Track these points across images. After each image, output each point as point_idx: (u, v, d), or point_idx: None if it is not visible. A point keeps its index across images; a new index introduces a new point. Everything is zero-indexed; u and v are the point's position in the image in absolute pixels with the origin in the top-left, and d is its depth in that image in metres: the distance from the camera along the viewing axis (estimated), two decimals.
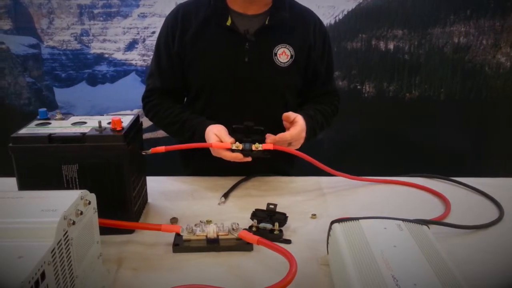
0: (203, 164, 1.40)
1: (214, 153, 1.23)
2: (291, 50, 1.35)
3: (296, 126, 1.23)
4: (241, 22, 1.34)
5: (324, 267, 0.91)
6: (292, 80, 1.41)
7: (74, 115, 1.13)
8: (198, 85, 1.42)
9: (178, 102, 1.46)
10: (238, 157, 1.18)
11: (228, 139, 1.19)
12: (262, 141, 1.19)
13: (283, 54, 1.35)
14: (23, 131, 1.00)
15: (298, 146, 1.26)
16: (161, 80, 1.42)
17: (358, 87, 2.83)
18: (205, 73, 1.38)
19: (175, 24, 1.37)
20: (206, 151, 1.25)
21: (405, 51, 2.79)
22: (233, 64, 1.35)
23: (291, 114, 1.24)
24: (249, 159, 1.19)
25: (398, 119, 2.72)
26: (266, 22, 1.33)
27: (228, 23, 1.33)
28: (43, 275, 0.61)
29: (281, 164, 1.50)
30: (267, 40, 1.35)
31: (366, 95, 2.80)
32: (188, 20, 1.36)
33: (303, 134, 1.25)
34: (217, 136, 1.21)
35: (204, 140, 1.26)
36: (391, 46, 2.82)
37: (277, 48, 1.35)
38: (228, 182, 1.33)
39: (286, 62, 1.35)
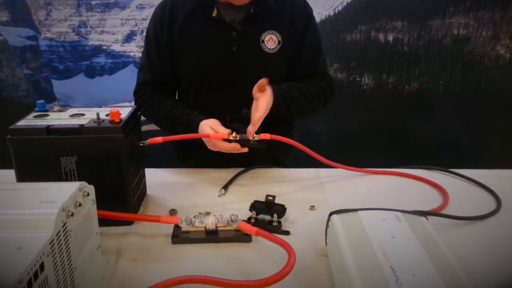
0: (199, 158, 1.40)
1: (211, 146, 1.23)
2: (278, 36, 1.35)
3: (263, 97, 1.21)
4: (227, 13, 1.34)
5: (322, 258, 0.91)
6: (282, 65, 1.41)
7: (72, 107, 1.13)
8: (188, 77, 1.42)
9: (169, 95, 1.46)
10: (235, 147, 1.18)
11: (224, 131, 1.19)
12: (258, 131, 1.19)
13: (271, 41, 1.35)
14: (21, 123, 1.00)
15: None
16: (151, 73, 1.42)
17: (357, 79, 2.82)
18: (194, 65, 1.38)
19: (163, 16, 1.37)
20: (202, 146, 1.25)
21: (404, 43, 2.78)
22: (221, 54, 1.35)
23: (262, 84, 1.21)
24: (246, 149, 1.20)
25: (397, 111, 2.72)
26: (251, 11, 1.33)
27: (214, 14, 1.33)
28: (42, 267, 0.61)
29: (276, 153, 1.49)
30: (253, 28, 1.34)
31: (365, 87, 2.80)
32: (175, 12, 1.36)
33: (270, 103, 1.23)
34: (212, 129, 1.21)
35: None
36: (390, 38, 2.81)
37: (264, 35, 1.35)
38: (226, 174, 1.33)
39: (274, 48, 1.35)
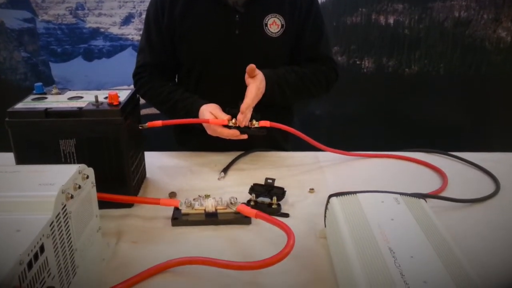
0: (199, 143, 1.39)
1: (210, 131, 1.22)
2: (281, 20, 1.33)
3: (253, 83, 1.19)
4: None
5: (321, 240, 0.92)
6: (284, 50, 1.39)
7: (70, 90, 1.12)
8: (189, 61, 1.40)
9: (169, 78, 1.44)
10: (235, 134, 1.18)
11: (224, 116, 1.19)
12: (258, 117, 1.19)
13: (274, 24, 1.33)
14: (19, 105, 1.00)
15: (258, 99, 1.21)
16: (151, 55, 1.40)
17: (358, 62, 2.81)
18: (196, 48, 1.36)
19: None
20: (202, 130, 1.25)
21: (405, 25, 2.75)
22: (224, 37, 1.33)
23: (250, 70, 1.19)
24: (245, 136, 1.19)
25: (397, 94, 2.72)
26: None
27: None
28: (42, 248, 0.61)
29: (276, 139, 1.49)
30: (256, 11, 1.33)
31: (365, 70, 2.79)
32: None
33: (262, 89, 1.21)
34: (212, 114, 1.21)
35: None
36: (391, 20, 2.78)
37: (267, 19, 1.33)
38: (225, 157, 1.33)
39: (277, 32, 1.34)
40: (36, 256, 0.59)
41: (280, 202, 1.05)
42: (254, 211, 0.92)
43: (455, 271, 0.63)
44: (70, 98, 1.05)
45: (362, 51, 2.76)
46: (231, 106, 1.20)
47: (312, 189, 1.15)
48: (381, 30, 2.79)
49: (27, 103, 1.01)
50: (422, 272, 0.63)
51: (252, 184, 1.11)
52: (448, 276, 0.62)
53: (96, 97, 1.00)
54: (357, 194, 0.86)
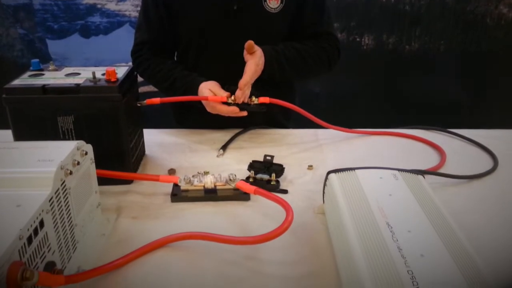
0: (197, 121, 1.39)
1: (209, 108, 1.22)
2: None
3: (252, 60, 1.18)
4: None
5: (320, 216, 0.92)
6: (284, 26, 1.37)
7: (67, 67, 1.11)
8: (187, 38, 1.38)
9: (168, 56, 1.43)
10: (234, 110, 1.17)
11: (223, 93, 1.18)
12: (258, 94, 1.18)
13: None
14: (17, 82, 0.99)
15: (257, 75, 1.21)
16: (149, 32, 1.38)
17: (357, 39, 2.77)
18: (194, 24, 1.34)
19: None
20: (201, 108, 1.24)
21: (406, 1, 2.71)
22: (222, 12, 1.30)
23: (249, 46, 1.18)
24: (245, 113, 1.19)
25: (397, 72, 2.70)
26: None
27: None
28: (41, 223, 0.62)
29: (277, 117, 1.49)
30: None
31: (365, 47, 2.75)
32: None
33: (261, 65, 1.21)
34: (211, 91, 1.20)
35: None
36: None
37: None
38: (224, 135, 1.33)
39: (277, 8, 1.31)
40: (36, 231, 0.60)
41: (279, 179, 1.05)
42: (253, 187, 0.92)
43: (452, 245, 0.64)
44: (68, 75, 1.05)
45: (362, 28, 2.73)
46: (231, 83, 1.20)
47: (311, 166, 1.15)
48: (381, 7, 2.74)
49: (24, 80, 1.01)
50: (419, 246, 0.63)
51: (251, 161, 1.11)
52: (445, 249, 0.63)
53: (94, 73, 1.00)
54: (356, 170, 0.87)
